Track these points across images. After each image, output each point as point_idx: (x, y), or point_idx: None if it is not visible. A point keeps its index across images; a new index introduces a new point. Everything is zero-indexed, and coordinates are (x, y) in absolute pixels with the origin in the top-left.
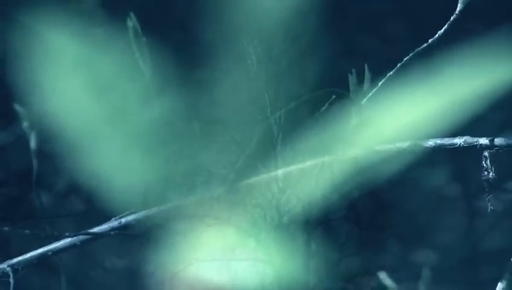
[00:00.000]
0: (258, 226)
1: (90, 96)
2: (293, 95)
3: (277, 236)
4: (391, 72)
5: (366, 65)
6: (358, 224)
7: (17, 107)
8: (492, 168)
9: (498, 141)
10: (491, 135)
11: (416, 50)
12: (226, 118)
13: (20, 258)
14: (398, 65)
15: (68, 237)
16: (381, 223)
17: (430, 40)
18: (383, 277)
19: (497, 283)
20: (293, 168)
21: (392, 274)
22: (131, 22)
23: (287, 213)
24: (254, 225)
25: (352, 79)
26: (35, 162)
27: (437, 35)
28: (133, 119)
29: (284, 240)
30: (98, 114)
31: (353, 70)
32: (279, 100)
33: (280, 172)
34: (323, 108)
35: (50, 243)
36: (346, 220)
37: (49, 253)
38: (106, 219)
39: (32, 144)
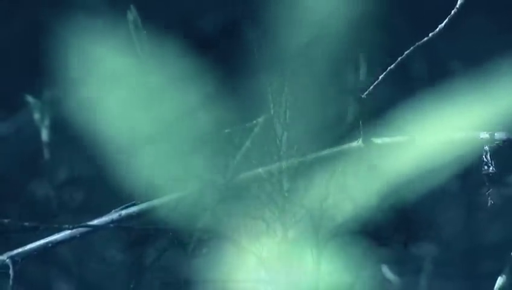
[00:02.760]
0: (260, 241)
1: (130, 107)
2: (298, 90)
3: (282, 253)
4: (392, 66)
5: (361, 56)
6: (378, 239)
7: (30, 99)
8: (493, 163)
9: (498, 135)
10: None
11: (416, 44)
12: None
13: (20, 250)
14: (399, 59)
15: (68, 229)
16: (405, 238)
17: (430, 34)
18: (385, 270)
19: (498, 277)
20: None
21: (393, 268)
22: (132, 15)
23: (293, 226)
24: (255, 240)
25: (350, 72)
26: (46, 153)
27: (438, 29)
28: (175, 129)
29: (290, 258)
30: (138, 124)
31: (351, 63)
32: (284, 96)
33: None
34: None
35: (50, 235)
36: (362, 234)
37: (49, 245)
38: (106, 211)
39: (44, 136)
